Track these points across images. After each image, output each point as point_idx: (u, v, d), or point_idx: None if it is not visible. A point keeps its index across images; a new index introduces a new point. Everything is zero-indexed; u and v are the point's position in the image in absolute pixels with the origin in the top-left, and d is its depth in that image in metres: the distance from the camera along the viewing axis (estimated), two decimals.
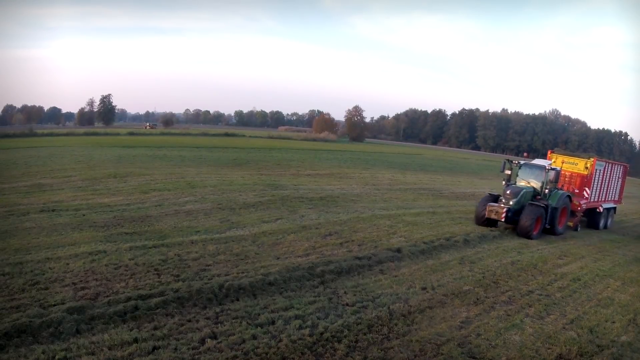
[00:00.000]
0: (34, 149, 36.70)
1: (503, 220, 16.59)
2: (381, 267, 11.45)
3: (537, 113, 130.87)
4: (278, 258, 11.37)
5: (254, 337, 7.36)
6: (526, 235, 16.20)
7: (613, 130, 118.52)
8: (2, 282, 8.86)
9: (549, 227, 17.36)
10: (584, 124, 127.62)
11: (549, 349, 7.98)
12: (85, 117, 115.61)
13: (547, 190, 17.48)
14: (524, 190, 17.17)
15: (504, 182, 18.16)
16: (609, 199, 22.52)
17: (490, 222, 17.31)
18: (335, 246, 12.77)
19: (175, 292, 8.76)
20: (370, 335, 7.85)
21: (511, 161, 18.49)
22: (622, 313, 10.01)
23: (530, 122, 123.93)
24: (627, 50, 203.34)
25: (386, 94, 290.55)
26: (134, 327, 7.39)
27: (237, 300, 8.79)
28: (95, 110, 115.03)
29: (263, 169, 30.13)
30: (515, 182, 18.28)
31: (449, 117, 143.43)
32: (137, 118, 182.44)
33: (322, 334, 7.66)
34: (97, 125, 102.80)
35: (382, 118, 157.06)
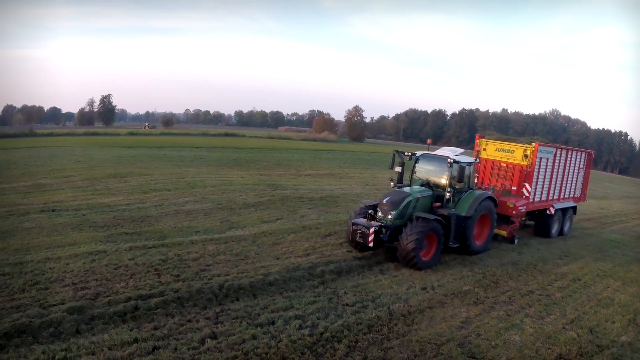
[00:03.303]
0: (34, 149, 36.70)
1: (371, 245, 11.30)
2: (381, 267, 11.45)
3: (537, 113, 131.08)
4: (278, 258, 11.37)
5: (254, 337, 7.37)
6: (410, 263, 11.17)
7: (613, 130, 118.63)
8: (2, 282, 8.87)
9: (457, 245, 12.61)
10: (584, 124, 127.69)
11: (549, 349, 7.99)
12: (85, 117, 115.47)
13: (448, 195, 12.52)
14: (411, 196, 11.98)
15: (392, 184, 13.46)
16: (566, 196, 17.82)
17: (366, 245, 11.64)
18: (335, 246, 12.77)
19: (175, 292, 8.77)
20: (370, 335, 7.86)
21: (402, 153, 13.48)
22: (622, 313, 10.01)
23: (530, 122, 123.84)
24: (627, 50, 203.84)
25: (386, 94, 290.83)
26: (134, 327, 7.40)
27: (237, 300, 8.79)
28: (95, 110, 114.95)
29: (263, 169, 30.12)
30: (411, 182, 13.60)
31: (449, 117, 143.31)
32: (137, 118, 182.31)
33: (322, 334, 7.67)
34: (97, 126, 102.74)
35: (382, 118, 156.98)
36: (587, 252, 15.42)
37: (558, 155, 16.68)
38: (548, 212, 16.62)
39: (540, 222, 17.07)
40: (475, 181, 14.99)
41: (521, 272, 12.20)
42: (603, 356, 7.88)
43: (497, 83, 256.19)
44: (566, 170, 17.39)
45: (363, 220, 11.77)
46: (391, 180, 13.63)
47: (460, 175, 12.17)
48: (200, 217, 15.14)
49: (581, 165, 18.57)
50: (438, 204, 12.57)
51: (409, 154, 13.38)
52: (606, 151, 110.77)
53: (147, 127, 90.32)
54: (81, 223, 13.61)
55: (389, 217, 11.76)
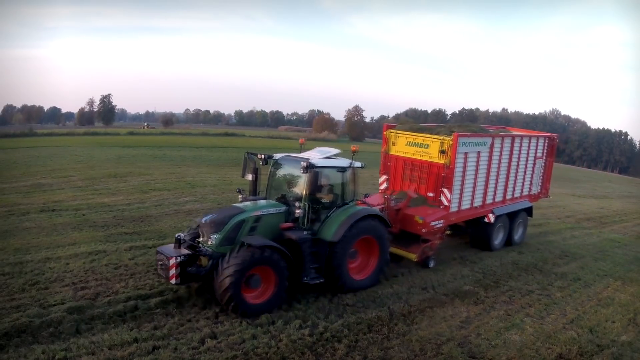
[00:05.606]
0: (34, 149, 36.67)
1: (174, 281, 8.26)
2: None
3: (537, 113, 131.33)
4: None
5: (254, 337, 7.38)
6: (228, 306, 8.01)
7: (613, 130, 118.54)
8: (2, 282, 8.88)
9: (321, 280, 9.16)
10: (584, 124, 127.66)
11: (549, 348, 7.98)
12: (85, 117, 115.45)
13: (299, 212, 9.08)
14: (246, 214, 8.93)
15: (240, 197, 10.03)
16: (516, 195, 14.27)
17: (187, 276, 8.39)
18: None
19: (175, 292, 8.78)
20: (371, 335, 7.86)
21: (254, 155, 10.40)
22: (622, 313, 10.01)
23: (530, 122, 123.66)
24: (627, 50, 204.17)
25: (386, 93, 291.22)
26: (134, 327, 7.40)
27: None
28: (95, 110, 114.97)
29: (263, 169, 30.08)
30: (267, 194, 10.15)
31: (449, 117, 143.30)
32: (137, 118, 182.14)
33: (322, 333, 7.68)
34: (97, 125, 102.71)
35: (382, 118, 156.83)
36: (587, 252, 15.40)
37: (497, 145, 12.83)
38: (486, 219, 13.10)
39: (476, 232, 13.56)
40: (379, 189, 12.99)
41: (521, 272, 12.19)
42: (603, 356, 7.88)
43: (497, 82, 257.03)
44: (513, 164, 13.66)
45: (169, 248, 8.67)
46: (239, 192, 10.23)
47: (313, 184, 9.10)
48: (200, 217, 15.11)
49: (539, 155, 15.01)
50: (289, 225, 9.18)
51: (263, 156, 10.32)
52: (606, 151, 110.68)
53: (146, 127, 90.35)
54: (81, 223, 13.62)
55: (211, 242, 8.63)
